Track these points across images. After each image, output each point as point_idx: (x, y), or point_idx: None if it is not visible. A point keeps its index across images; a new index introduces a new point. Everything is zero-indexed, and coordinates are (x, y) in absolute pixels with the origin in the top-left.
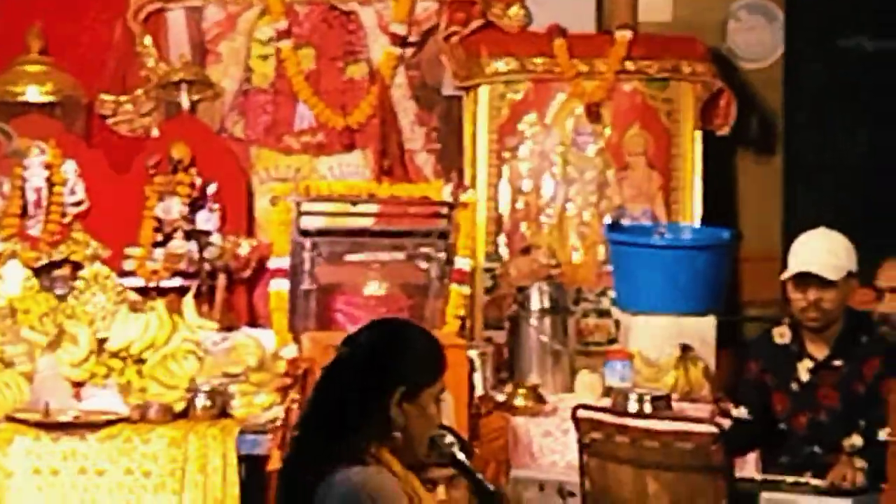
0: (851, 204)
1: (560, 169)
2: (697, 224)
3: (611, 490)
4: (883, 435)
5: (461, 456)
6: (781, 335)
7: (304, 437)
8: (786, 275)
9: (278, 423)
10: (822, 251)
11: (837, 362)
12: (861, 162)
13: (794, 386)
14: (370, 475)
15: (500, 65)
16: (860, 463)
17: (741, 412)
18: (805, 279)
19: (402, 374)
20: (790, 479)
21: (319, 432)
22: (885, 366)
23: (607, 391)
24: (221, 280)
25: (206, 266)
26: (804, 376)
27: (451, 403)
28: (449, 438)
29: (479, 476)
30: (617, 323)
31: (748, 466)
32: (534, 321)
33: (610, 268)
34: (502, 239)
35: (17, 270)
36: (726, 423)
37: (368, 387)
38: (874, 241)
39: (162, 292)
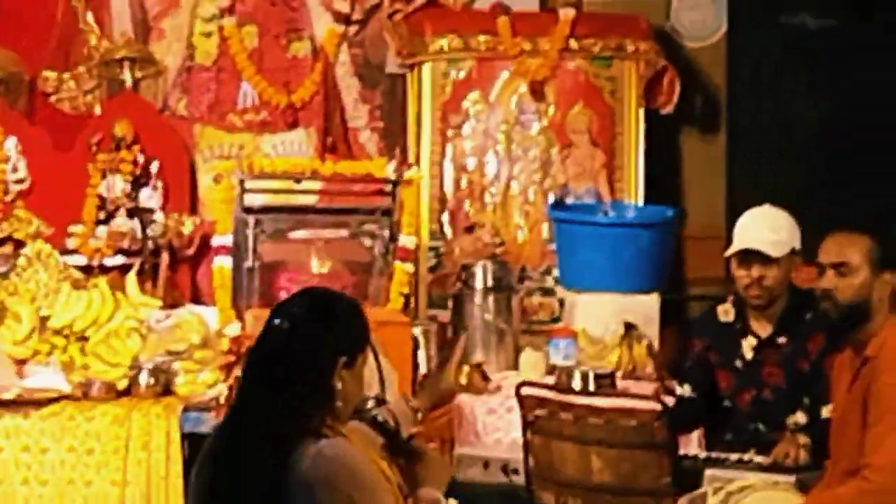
0: (795, 181)
1: (504, 147)
2: (641, 202)
3: (554, 467)
4: (826, 412)
5: (381, 417)
6: (726, 313)
7: (250, 414)
8: (729, 252)
9: (222, 400)
10: (764, 228)
11: (781, 339)
12: (804, 139)
13: (739, 364)
14: (341, 447)
15: (444, 43)
16: (804, 440)
17: (685, 390)
18: (748, 256)
19: (342, 343)
20: (734, 456)
21: (269, 409)
22: (828, 342)
23: (551, 369)
24: (164, 258)
25: (150, 244)
26: (748, 354)
27: (395, 380)
28: (370, 402)
29: (402, 435)
30: (561, 301)
31: (692, 444)
32: (478, 299)
33: (554, 246)
34: (446, 217)
35: None
36: (670, 400)
37: (314, 359)
38: (817, 218)
39: (105, 270)
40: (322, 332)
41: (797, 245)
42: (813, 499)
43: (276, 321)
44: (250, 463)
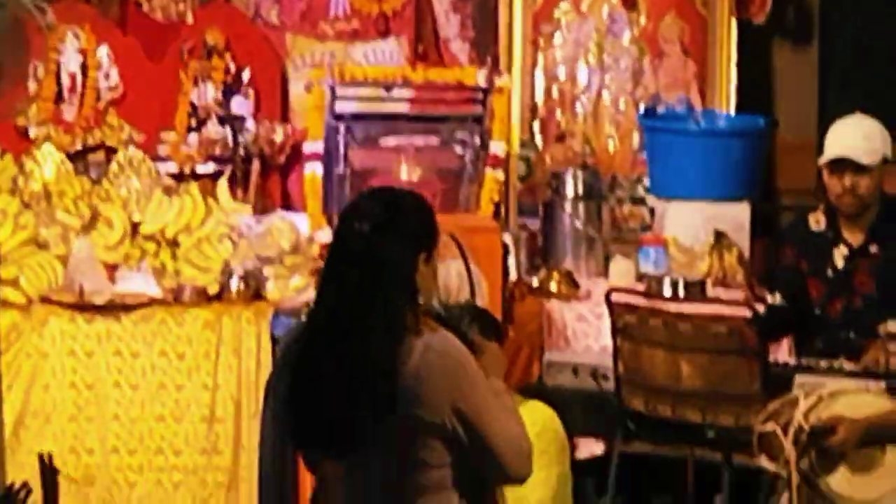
0: (887, 92)
1: (595, 57)
2: (732, 112)
3: (644, 373)
4: None
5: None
6: (817, 222)
7: (347, 318)
8: (822, 160)
9: (312, 305)
10: (857, 137)
11: (873, 248)
12: None
13: (830, 272)
14: (449, 340)
15: None
16: (894, 347)
17: (776, 298)
18: (841, 165)
19: (422, 237)
20: (824, 362)
21: (365, 311)
22: None
23: (641, 277)
24: (255, 165)
25: (241, 151)
26: (840, 263)
27: (485, 287)
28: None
29: (464, 329)
30: (651, 210)
31: (782, 352)
32: (568, 207)
33: (645, 155)
34: (537, 126)
35: (52, 154)
36: (761, 308)
37: (400, 257)
38: None
39: (196, 177)
40: (403, 229)
41: (889, 154)
42: None
43: (355, 224)
44: (358, 363)
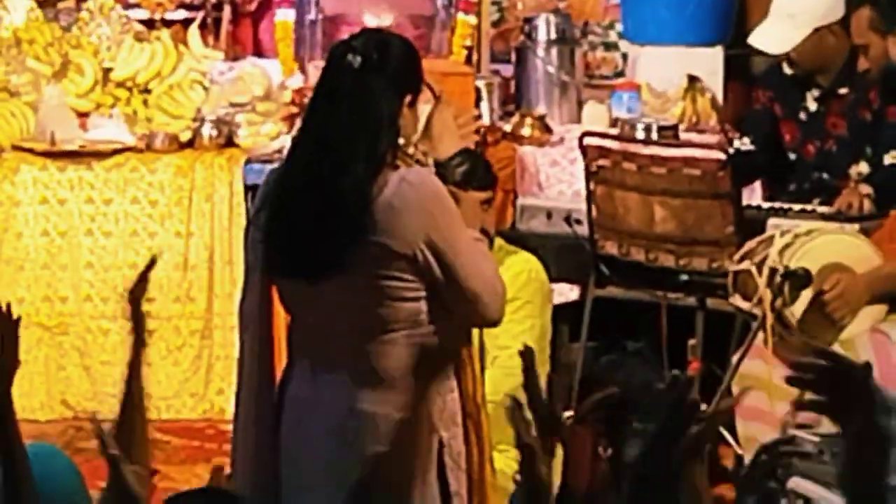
0: None
1: None
2: None
3: (617, 216)
4: (889, 159)
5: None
6: (790, 65)
7: (327, 150)
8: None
9: (284, 152)
10: (780, 15)
11: (843, 90)
12: None
13: (803, 115)
14: (424, 173)
15: None
16: (867, 189)
17: (744, 142)
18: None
19: (408, 79)
20: (797, 206)
21: (346, 144)
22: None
23: (614, 122)
24: (226, 12)
25: None
26: (811, 105)
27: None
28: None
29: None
30: (624, 56)
31: (755, 195)
32: (541, 52)
33: (617, 0)
34: None
35: (22, 2)
36: (731, 151)
37: (386, 95)
38: None
39: (167, 24)
40: (391, 69)
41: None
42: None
43: (346, 59)
44: (329, 194)
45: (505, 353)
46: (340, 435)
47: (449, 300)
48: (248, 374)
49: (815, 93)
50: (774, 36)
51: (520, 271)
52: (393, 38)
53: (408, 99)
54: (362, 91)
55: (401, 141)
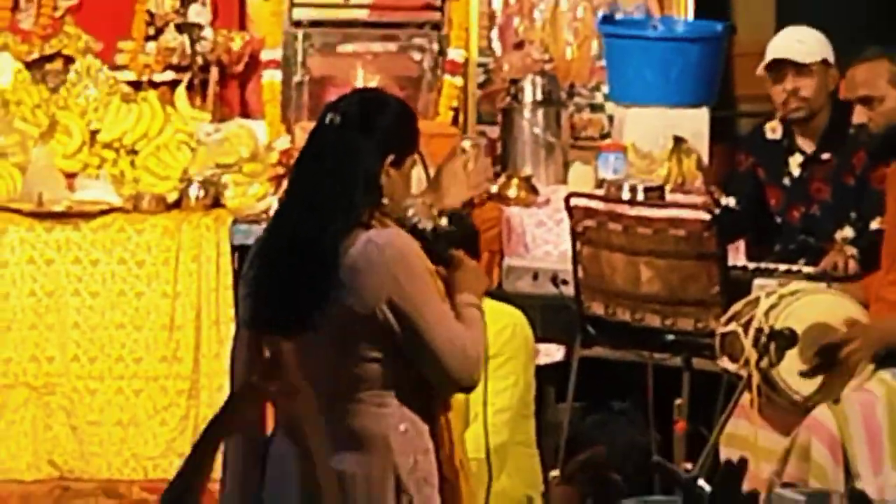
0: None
1: None
2: (690, 18)
3: (604, 277)
4: (875, 224)
5: (419, 224)
6: (773, 130)
7: (302, 207)
8: (760, 68)
9: (271, 212)
10: (792, 40)
11: (826, 155)
12: None
13: (787, 181)
14: (392, 234)
15: None
16: (852, 250)
17: (729, 201)
18: (781, 69)
19: (392, 139)
20: (783, 266)
21: (320, 201)
22: (877, 162)
23: (600, 183)
24: (214, 73)
25: (199, 60)
26: (795, 171)
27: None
28: (410, 210)
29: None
30: (610, 118)
31: (741, 256)
32: (527, 113)
33: (603, 62)
34: (495, 34)
35: (9, 63)
36: (715, 210)
37: (363, 152)
38: (877, 40)
39: (154, 86)
40: (372, 127)
41: (829, 57)
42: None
43: (329, 116)
44: (303, 251)
45: (488, 411)
46: (311, 492)
47: (415, 363)
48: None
49: (799, 158)
50: (795, 51)
51: (504, 326)
52: (382, 96)
53: (390, 158)
54: (341, 149)
55: (385, 201)
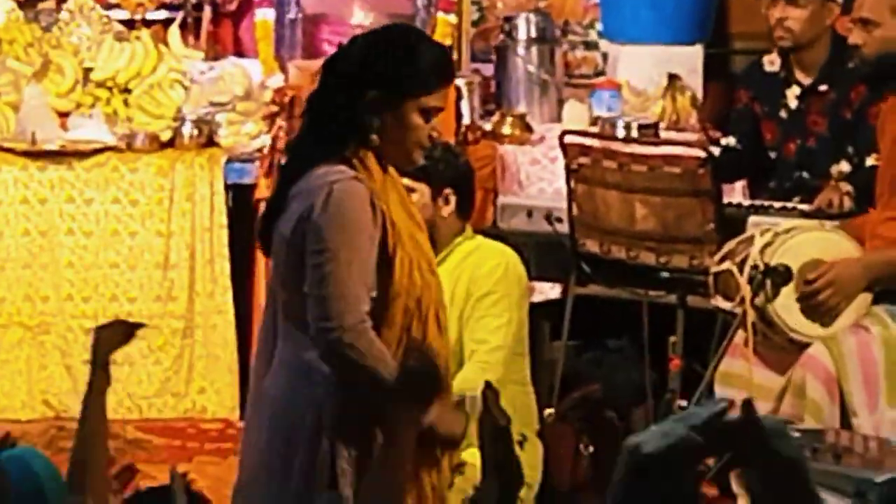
0: None
1: None
2: None
3: (598, 215)
4: (870, 160)
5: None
6: (771, 63)
7: (296, 139)
8: None
9: (265, 151)
10: None
11: (823, 87)
12: None
13: (783, 113)
14: (344, 177)
15: None
16: (846, 187)
17: (730, 140)
18: None
19: (377, 76)
20: (777, 203)
21: (306, 133)
22: (870, 91)
23: (595, 121)
24: (207, 12)
25: None
26: (792, 103)
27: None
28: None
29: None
30: (604, 56)
31: (735, 193)
32: (521, 51)
33: (597, 0)
34: None
35: (2, 2)
36: (715, 150)
37: (343, 86)
38: None
39: (147, 24)
40: (361, 59)
41: None
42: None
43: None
44: (278, 184)
45: (482, 348)
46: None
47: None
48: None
49: (796, 90)
50: None
51: (496, 264)
52: (399, 32)
53: (372, 95)
54: (319, 87)
55: (373, 138)
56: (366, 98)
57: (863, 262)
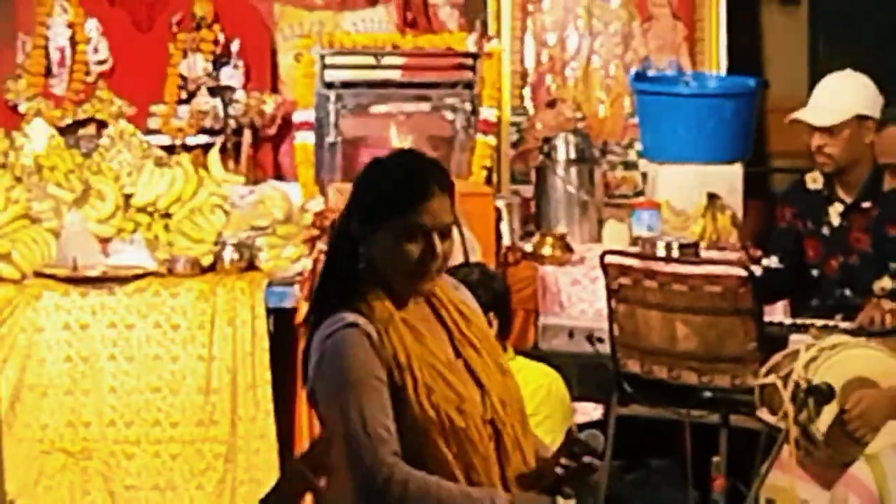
0: (877, 50)
1: (585, 21)
2: (723, 73)
3: (640, 335)
4: None
5: None
6: (814, 180)
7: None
8: (787, 118)
9: (306, 275)
10: (824, 95)
11: (866, 204)
12: (891, 5)
13: (826, 230)
14: (338, 328)
15: None
16: (889, 305)
17: (772, 261)
18: (809, 124)
19: (356, 206)
20: (819, 322)
21: (322, 276)
22: None
23: (635, 241)
24: (247, 136)
25: (231, 123)
26: (835, 220)
27: (479, 252)
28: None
29: None
30: (644, 175)
31: (777, 312)
32: (560, 171)
33: (636, 120)
34: (528, 93)
35: (43, 129)
36: (757, 270)
37: (341, 224)
38: None
39: (187, 149)
40: (356, 193)
41: (867, 111)
42: None
43: None
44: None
45: None
46: None
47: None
48: None
49: (839, 207)
50: (822, 112)
51: (539, 386)
52: (375, 162)
53: (354, 221)
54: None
55: (361, 267)
56: (351, 231)
57: (890, 395)
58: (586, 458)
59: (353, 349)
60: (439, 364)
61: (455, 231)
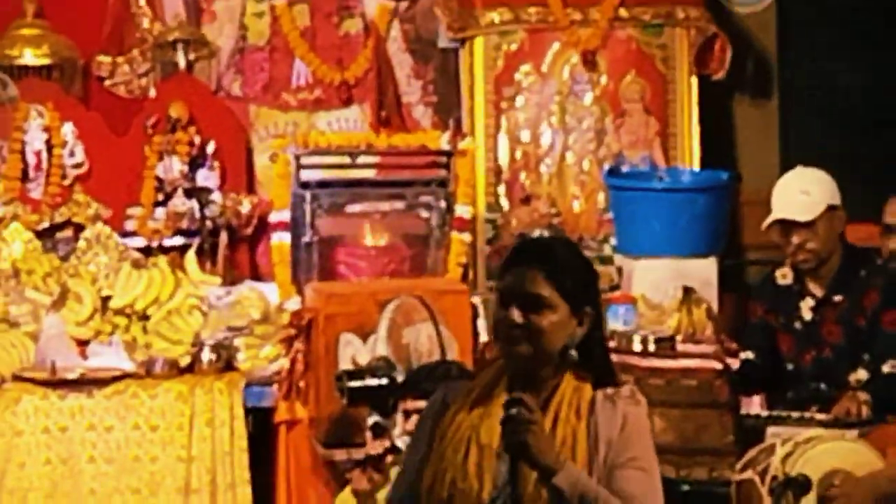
0: (852, 141)
1: (558, 118)
2: (696, 167)
3: None
4: (887, 367)
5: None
6: (784, 276)
7: None
8: (765, 224)
9: (284, 374)
10: (793, 192)
11: (837, 298)
12: (860, 99)
13: (798, 325)
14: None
15: (495, 16)
16: (864, 396)
17: (748, 355)
18: (786, 224)
19: None
20: (795, 413)
21: None
22: (883, 297)
23: (611, 335)
24: (223, 237)
25: (208, 224)
26: (807, 315)
27: (456, 349)
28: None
29: None
30: (619, 270)
31: (753, 404)
32: None
33: (610, 215)
34: (502, 189)
35: (20, 233)
36: (734, 363)
37: None
38: (879, 177)
39: (164, 251)
40: None
41: (834, 201)
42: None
43: None
44: None
45: None
46: None
47: None
48: None
49: (810, 302)
50: (798, 207)
51: None
52: None
53: None
54: None
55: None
56: None
57: (868, 483)
58: (512, 410)
59: (427, 407)
60: (474, 452)
61: (433, 329)
